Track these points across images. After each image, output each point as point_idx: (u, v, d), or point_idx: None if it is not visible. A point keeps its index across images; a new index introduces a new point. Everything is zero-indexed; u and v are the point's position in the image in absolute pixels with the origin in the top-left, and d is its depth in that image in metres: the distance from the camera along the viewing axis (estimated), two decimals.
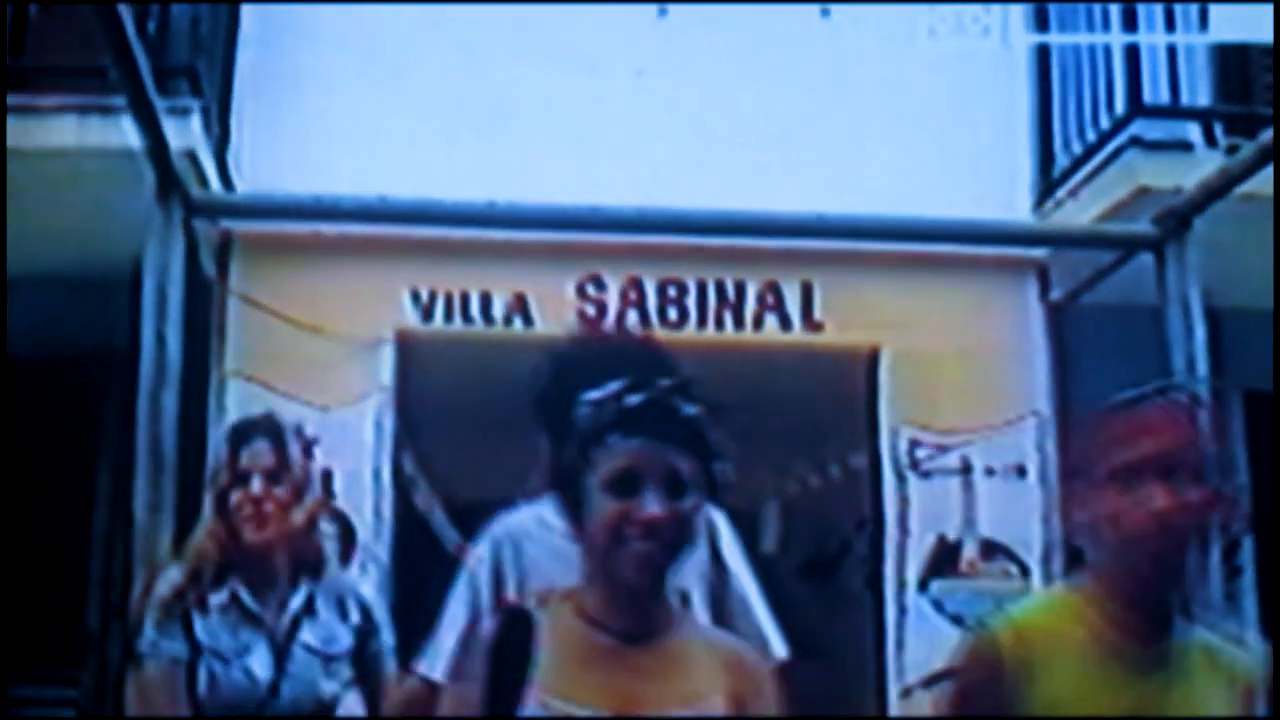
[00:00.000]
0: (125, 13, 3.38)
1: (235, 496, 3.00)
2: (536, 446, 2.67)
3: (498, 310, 6.20)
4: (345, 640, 3.11)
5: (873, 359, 6.35)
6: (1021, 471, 6.25)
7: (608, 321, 6.08)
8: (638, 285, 6.27)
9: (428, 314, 6.19)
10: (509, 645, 1.95)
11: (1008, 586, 5.99)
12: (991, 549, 6.21)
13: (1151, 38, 5.76)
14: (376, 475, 6.03)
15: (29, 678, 5.57)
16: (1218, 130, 5.75)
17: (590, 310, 6.18)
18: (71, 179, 5.16)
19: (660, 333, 6.04)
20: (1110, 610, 2.04)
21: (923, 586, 6.18)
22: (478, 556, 2.75)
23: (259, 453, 3.02)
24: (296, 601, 3.06)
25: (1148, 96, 5.74)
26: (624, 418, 1.95)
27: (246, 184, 5.96)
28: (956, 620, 6.07)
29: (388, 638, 3.18)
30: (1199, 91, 5.96)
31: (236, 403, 5.72)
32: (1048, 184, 6.28)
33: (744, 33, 6.41)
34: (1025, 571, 6.16)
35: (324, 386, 5.84)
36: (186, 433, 4.14)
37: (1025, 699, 2.01)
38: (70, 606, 5.95)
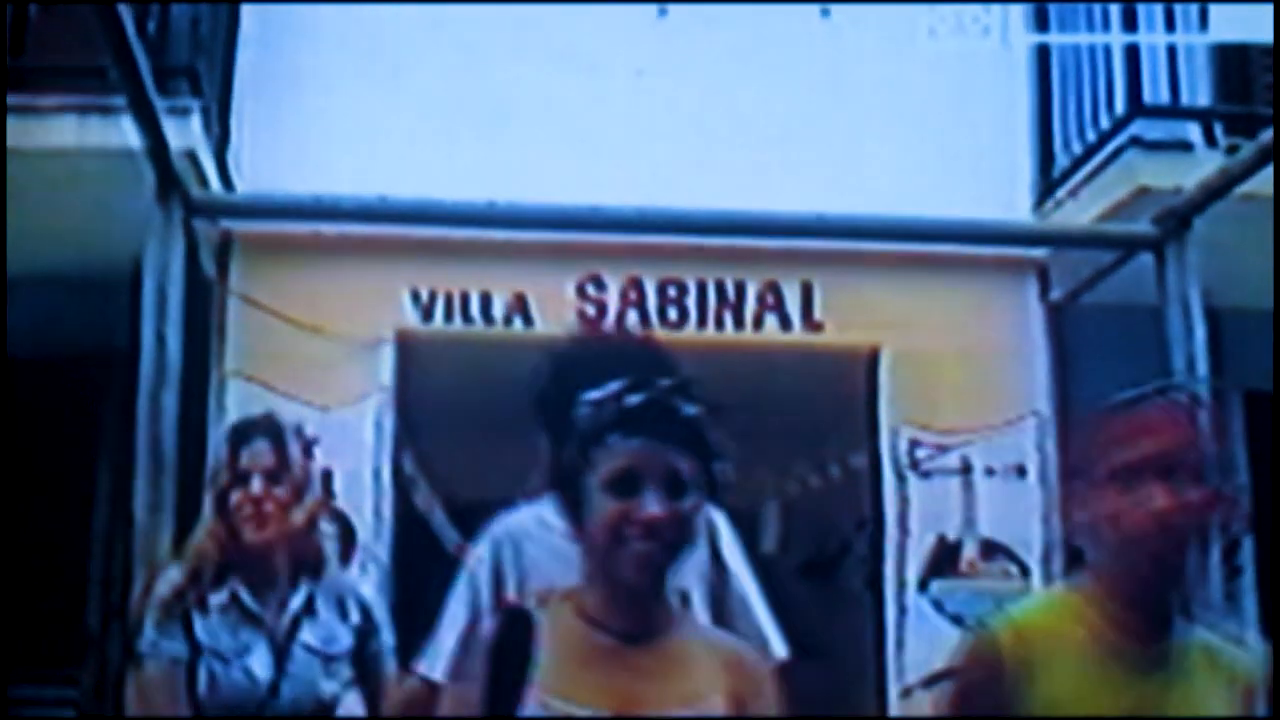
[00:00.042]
0: (125, 13, 3.38)
1: (235, 496, 3.00)
2: (536, 446, 2.67)
3: (498, 310, 6.20)
4: (345, 640, 3.11)
5: (873, 359, 6.35)
6: (1021, 471, 6.25)
7: (608, 322, 6.08)
8: (638, 285, 6.27)
9: (428, 314, 6.19)
10: (509, 645, 1.94)
11: (1008, 586, 5.99)
12: (991, 549, 6.20)
13: (1151, 38, 5.76)
14: (376, 475, 6.03)
15: (29, 677, 5.57)
16: (1218, 130, 5.75)
17: (590, 310, 6.18)
18: (71, 179, 5.15)
19: (660, 333, 6.04)
20: (1110, 610, 2.04)
21: (923, 586, 6.18)
22: (478, 556, 2.75)
23: (259, 453, 3.02)
24: (296, 601, 3.06)
25: (1148, 96, 5.74)
26: (624, 418, 1.95)
27: (246, 184, 5.96)
28: (956, 620, 6.07)
29: (388, 638, 3.18)
30: (1199, 91, 5.96)
31: (236, 403, 5.72)
32: (1048, 184, 6.28)
33: (744, 33, 6.41)
34: (1025, 571, 6.15)
35: (324, 386, 5.84)
36: (186, 433, 4.14)
37: (1025, 699, 2.01)
38: (70, 606, 5.95)
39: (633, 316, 6.19)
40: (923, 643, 6.06)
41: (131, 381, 4.07)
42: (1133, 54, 5.78)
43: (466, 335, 6.19)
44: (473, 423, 6.33)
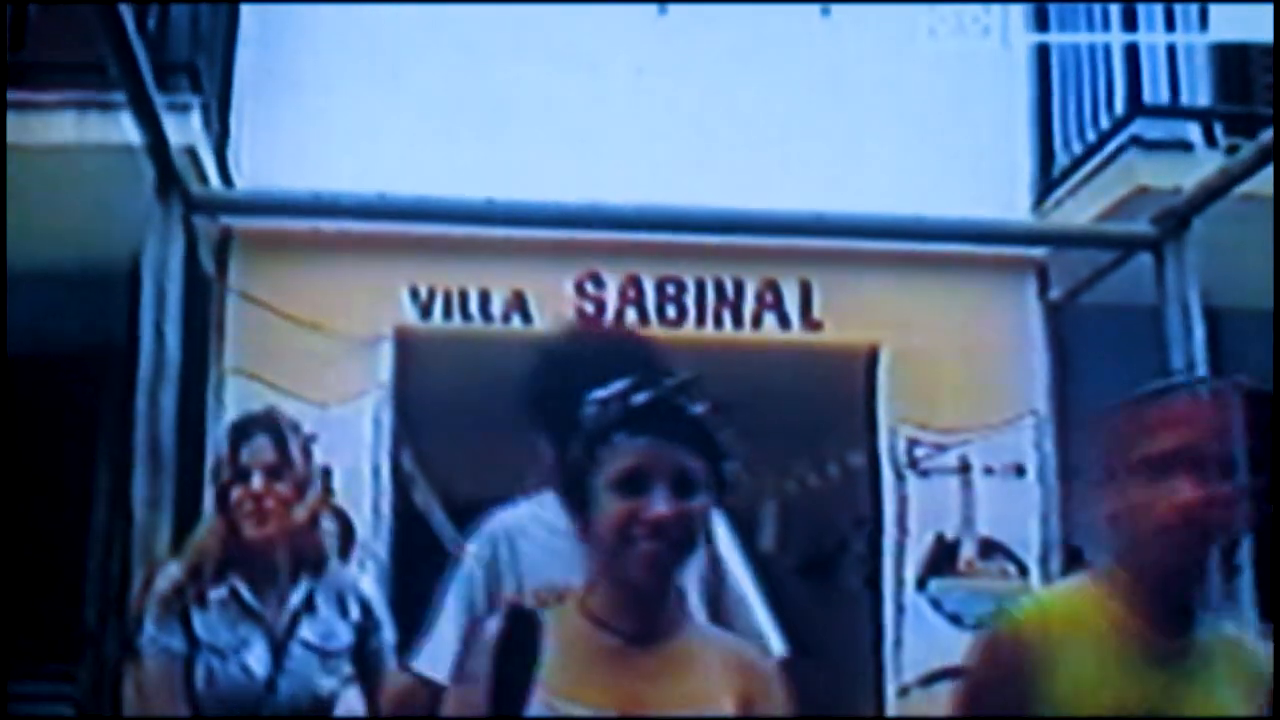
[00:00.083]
0: (125, 9, 3.38)
1: (236, 493, 3.01)
2: (535, 444, 2.68)
3: (496, 308, 6.20)
4: (345, 637, 3.11)
5: (871, 358, 6.35)
6: (1020, 471, 6.25)
7: (605, 319, 6.08)
8: (636, 283, 6.27)
9: (426, 311, 6.19)
10: (514, 645, 1.93)
11: (1005, 586, 5.99)
12: (990, 548, 6.21)
13: (1151, 37, 5.76)
14: (375, 472, 6.03)
15: (28, 674, 5.57)
16: (1217, 130, 5.75)
17: (589, 308, 6.18)
18: (71, 175, 5.15)
19: (659, 331, 6.05)
20: (1134, 601, 2.02)
21: (921, 585, 6.18)
22: (473, 554, 2.74)
23: (259, 449, 3.02)
24: (296, 598, 3.06)
25: (1147, 96, 5.74)
26: (630, 416, 1.94)
27: (246, 180, 5.95)
28: (954, 619, 6.07)
29: (389, 634, 3.18)
30: (1199, 91, 5.96)
31: (235, 399, 5.72)
32: (1047, 183, 6.28)
33: (744, 32, 6.41)
34: (1023, 571, 6.16)
35: (323, 383, 5.84)
36: (185, 429, 4.14)
37: (1048, 684, 1.99)
38: (68, 603, 5.95)
39: (631, 314, 6.19)
40: (921, 641, 6.06)
41: (130, 378, 4.07)
42: (1133, 54, 5.78)
43: (465, 332, 6.19)
44: (471, 420, 6.31)
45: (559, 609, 2.01)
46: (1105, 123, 5.88)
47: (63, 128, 5.11)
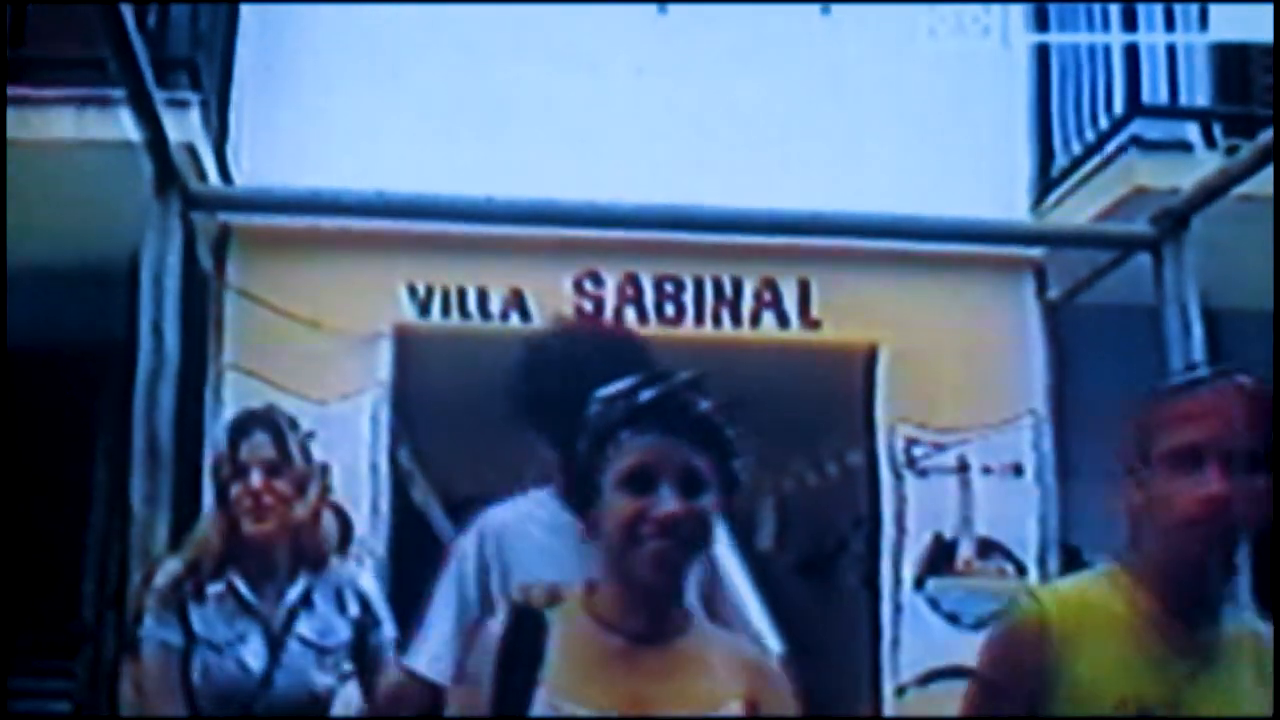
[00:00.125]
0: (125, 5, 3.37)
1: (235, 490, 3.01)
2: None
3: (495, 305, 6.20)
4: (342, 633, 3.11)
5: (870, 357, 6.35)
6: (1018, 470, 6.26)
7: (604, 317, 6.08)
8: (635, 281, 6.27)
9: (425, 309, 6.19)
10: (518, 645, 1.91)
11: (1003, 585, 5.99)
12: (988, 547, 6.21)
13: (1151, 38, 5.76)
14: (373, 469, 6.03)
15: (25, 669, 5.57)
16: (1217, 131, 5.75)
17: (588, 306, 6.18)
18: (69, 171, 5.15)
19: (657, 329, 6.05)
20: (1158, 592, 2.01)
21: (919, 584, 6.18)
22: (461, 551, 2.74)
23: (258, 446, 3.02)
24: (294, 594, 3.06)
25: (1147, 96, 5.74)
26: (637, 414, 1.92)
27: (245, 178, 5.95)
28: (952, 619, 6.08)
29: (389, 631, 3.18)
30: (1198, 92, 5.97)
31: (234, 396, 5.71)
32: (1046, 183, 6.29)
33: (744, 31, 6.41)
34: (1021, 570, 6.16)
35: (321, 381, 5.84)
36: (183, 426, 4.13)
37: (1068, 672, 1.98)
38: (66, 599, 5.95)
39: (630, 313, 6.19)
40: (918, 641, 6.06)
41: (128, 375, 4.06)
42: (1132, 54, 5.79)
43: (464, 330, 6.19)
44: (470, 417, 6.29)
45: (565, 609, 1.98)
46: (1104, 123, 5.88)
47: (62, 124, 5.11)
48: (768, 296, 6.31)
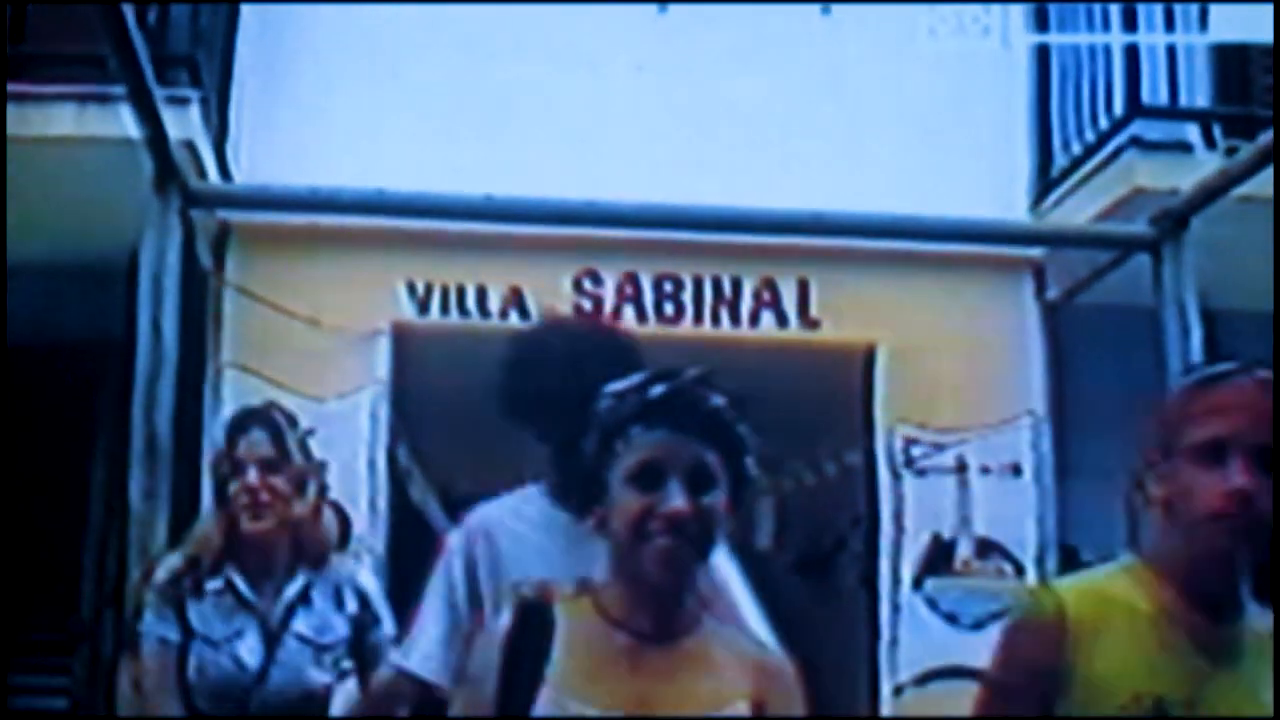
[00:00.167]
0: (125, 3, 3.37)
1: (233, 487, 3.01)
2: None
3: (494, 303, 6.20)
4: (340, 630, 3.11)
5: (869, 356, 6.35)
6: (1017, 470, 6.26)
7: (603, 315, 6.08)
8: (634, 280, 6.27)
9: (424, 307, 6.19)
10: (523, 642, 1.89)
11: (1002, 585, 6.00)
12: (986, 547, 6.21)
13: (1151, 38, 5.76)
14: (372, 467, 6.04)
15: (24, 665, 5.57)
16: (1216, 132, 5.76)
17: (587, 304, 6.18)
18: (69, 168, 5.15)
19: (656, 328, 6.05)
20: (1180, 586, 1.99)
21: (917, 584, 6.18)
22: (451, 549, 2.74)
23: (256, 443, 3.02)
24: (292, 591, 3.06)
25: (1147, 97, 5.75)
26: (647, 409, 1.90)
27: (244, 175, 5.96)
28: (950, 618, 6.08)
29: (388, 629, 3.18)
30: (1198, 92, 5.97)
31: (232, 394, 5.72)
32: (1046, 183, 6.29)
33: (744, 30, 6.41)
34: (1020, 570, 6.16)
35: (320, 378, 5.84)
36: (182, 423, 4.14)
37: (1086, 664, 1.97)
38: (64, 595, 5.95)
39: (629, 311, 6.19)
40: (916, 641, 6.07)
41: (127, 371, 4.06)
42: (1132, 54, 5.79)
43: (462, 328, 6.19)
44: (468, 415, 6.28)
45: (571, 606, 1.95)
46: (1104, 123, 5.88)
47: (62, 120, 5.12)
48: (767, 296, 6.31)
